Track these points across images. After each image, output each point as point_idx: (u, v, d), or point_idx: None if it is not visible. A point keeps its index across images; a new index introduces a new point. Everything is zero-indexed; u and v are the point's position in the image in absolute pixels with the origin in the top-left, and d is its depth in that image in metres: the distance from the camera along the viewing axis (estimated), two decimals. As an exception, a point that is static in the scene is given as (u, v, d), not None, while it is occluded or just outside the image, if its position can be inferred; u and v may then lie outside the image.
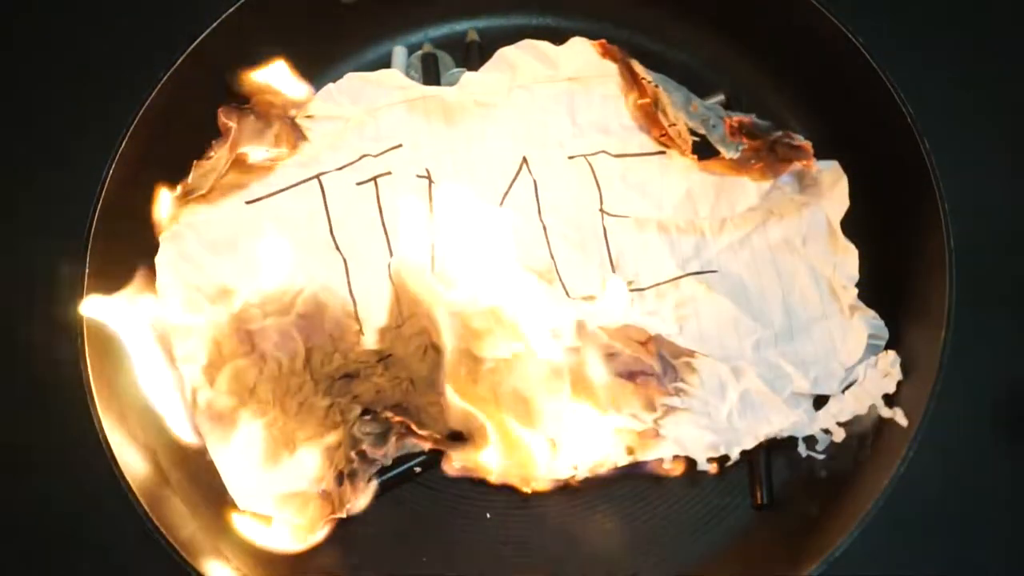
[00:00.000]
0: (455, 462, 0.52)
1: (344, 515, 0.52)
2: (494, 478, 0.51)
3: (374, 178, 0.56)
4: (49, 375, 0.59)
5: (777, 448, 0.55)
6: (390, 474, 0.55)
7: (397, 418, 0.52)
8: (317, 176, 0.56)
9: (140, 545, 0.52)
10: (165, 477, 0.53)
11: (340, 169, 0.56)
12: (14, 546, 0.58)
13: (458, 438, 0.53)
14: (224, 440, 0.52)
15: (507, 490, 0.55)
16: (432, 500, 0.55)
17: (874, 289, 0.55)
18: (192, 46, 0.58)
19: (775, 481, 0.55)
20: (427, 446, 0.53)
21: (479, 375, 0.52)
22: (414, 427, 0.52)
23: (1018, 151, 0.64)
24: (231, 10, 0.59)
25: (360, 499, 0.52)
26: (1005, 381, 0.59)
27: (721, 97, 0.62)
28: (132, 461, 0.52)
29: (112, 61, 0.67)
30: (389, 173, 0.56)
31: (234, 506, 0.54)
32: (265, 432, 0.51)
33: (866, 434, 0.53)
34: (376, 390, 0.53)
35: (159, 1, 0.69)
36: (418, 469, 0.55)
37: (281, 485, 0.51)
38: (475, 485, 0.55)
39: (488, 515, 0.55)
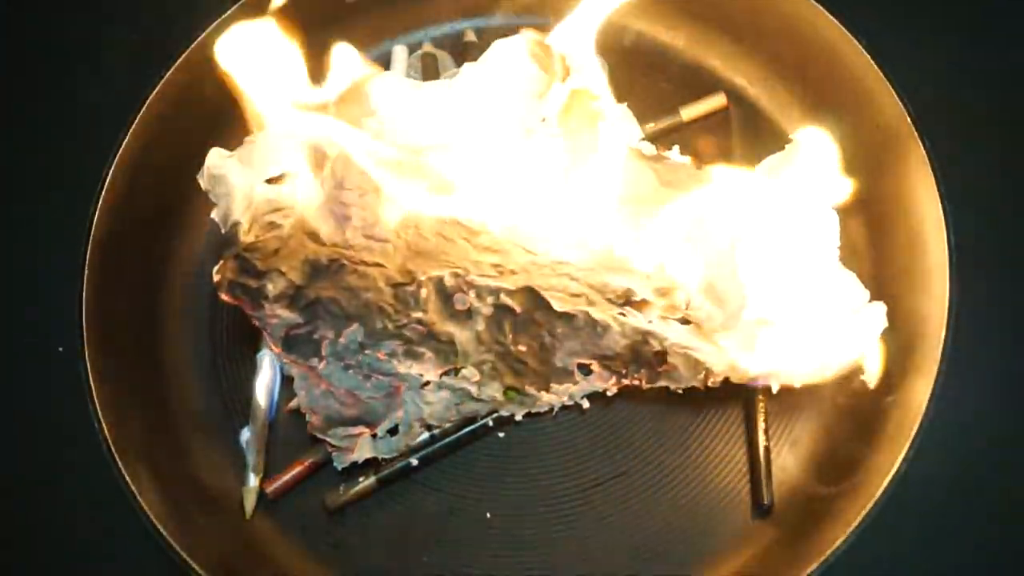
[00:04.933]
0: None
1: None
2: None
3: None
4: (49, 375, 0.59)
5: (778, 448, 0.55)
6: (388, 470, 0.55)
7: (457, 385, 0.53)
8: None
9: (140, 547, 0.52)
10: (165, 479, 0.53)
11: None
12: (14, 549, 0.58)
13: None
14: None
15: (507, 490, 0.55)
16: (432, 500, 0.55)
17: (875, 290, 0.55)
18: (191, 46, 0.58)
19: (775, 481, 0.55)
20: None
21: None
22: (473, 392, 0.53)
23: (1018, 148, 0.64)
24: (231, 10, 0.59)
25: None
26: (1005, 379, 0.59)
27: (722, 98, 0.62)
28: (133, 462, 0.52)
29: (110, 61, 0.68)
30: None
31: (240, 508, 0.54)
32: None
33: (865, 430, 0.53)
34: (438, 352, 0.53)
35: (158, 1, 0.70)
36: (415, 462, 0.55)
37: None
38: (475, 485, 0.55)
39: (488, 515, 0.55)
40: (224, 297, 0.52)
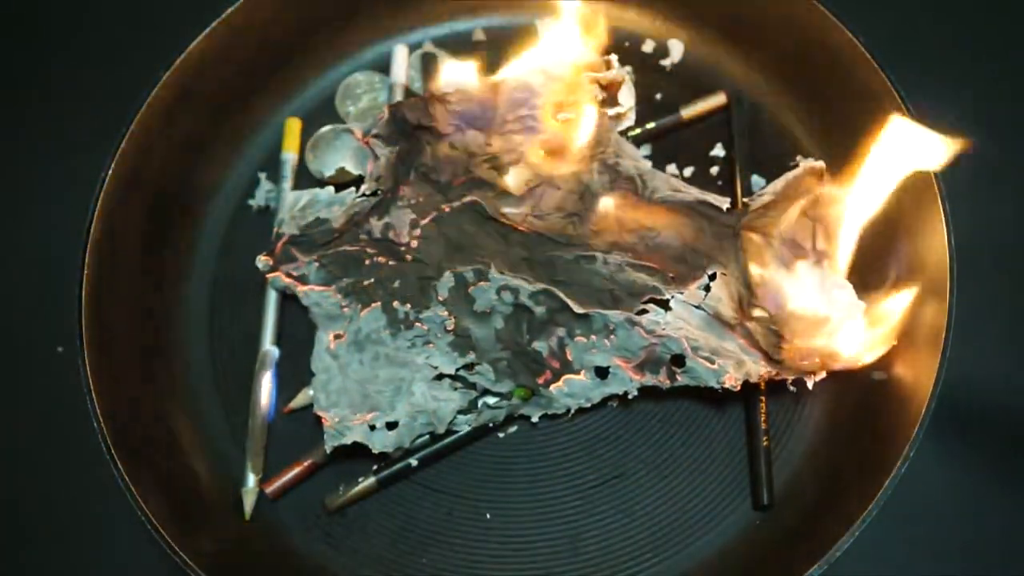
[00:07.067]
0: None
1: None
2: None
3: None
4: (49, 375, 0.59)
5: (778, 448, 0.55)
6: (388, 471, 0.55)
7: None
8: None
9: (140, 547, 0.52)
10: (165, 479, 0.53)
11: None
12: (14, 549, 0.58)
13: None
14: None
15: (507, 490, 0.55)
16: (432, 500, 0.55)
17: (876, 290, 0.55)
18: (192, 44, 0.58)
19: (775, 481, 0.55)
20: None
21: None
22: (489, 387, 0.54)
23: (1019, 148, 0.64)
24: (230, 9, 0.59)
25: None
26: (1006, 379, 0.59)
27: (722, 97, 0.62)
28: (133, 462, 0.52)
29: (111, 58, 0.68)
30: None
31: (239, 508, 0.54)
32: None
33: (865, 431, 0.53)
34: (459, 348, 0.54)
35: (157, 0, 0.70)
36: (414, 462, 0.55)
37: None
38: (475, 485, 0.55)
39: (488, 515, 0.55)
40: (276, 275, 0.56)
